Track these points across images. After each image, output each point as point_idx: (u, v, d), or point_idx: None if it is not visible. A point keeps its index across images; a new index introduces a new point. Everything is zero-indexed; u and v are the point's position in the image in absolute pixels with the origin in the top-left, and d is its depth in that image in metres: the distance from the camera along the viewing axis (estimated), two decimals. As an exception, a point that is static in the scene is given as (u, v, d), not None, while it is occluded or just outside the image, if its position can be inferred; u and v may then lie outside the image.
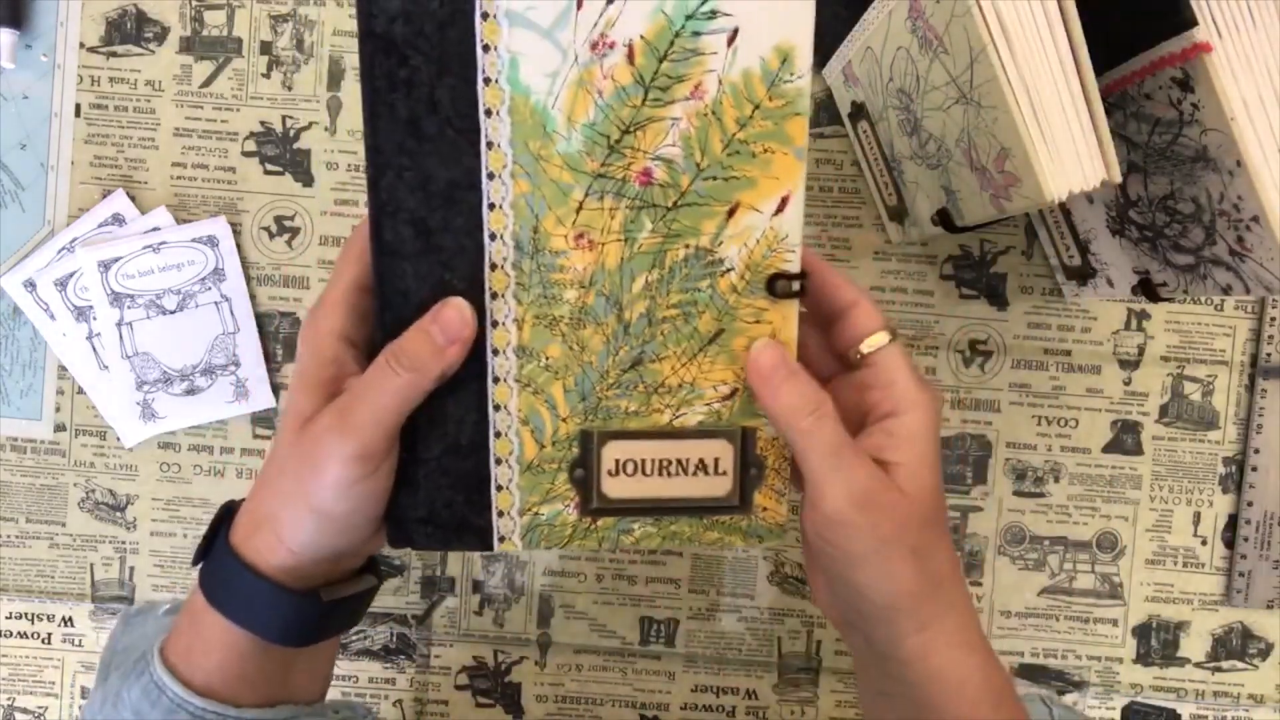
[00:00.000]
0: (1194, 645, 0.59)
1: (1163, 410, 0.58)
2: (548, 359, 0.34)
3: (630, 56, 0.30)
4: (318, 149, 0.57)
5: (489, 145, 0.32)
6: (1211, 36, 0.36)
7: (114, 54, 0.56)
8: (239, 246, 0.57)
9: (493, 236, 0.32)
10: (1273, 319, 0.56)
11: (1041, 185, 0.37)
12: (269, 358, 0.58)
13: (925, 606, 0.35)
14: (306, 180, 0.57)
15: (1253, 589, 0.58)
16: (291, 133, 0.57)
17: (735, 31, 0.30)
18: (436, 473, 0.35)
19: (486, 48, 0.31)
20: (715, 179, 0.33)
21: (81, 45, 0.56)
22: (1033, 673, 0.59)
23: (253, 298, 0.57)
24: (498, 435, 0.35)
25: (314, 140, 0.57)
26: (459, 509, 0.36)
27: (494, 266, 0.33)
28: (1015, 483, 0.58)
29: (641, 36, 0.30)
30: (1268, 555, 0.57)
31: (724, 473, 0.36)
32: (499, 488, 0.36)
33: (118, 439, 0.57)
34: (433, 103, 0.31)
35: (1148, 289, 0.47)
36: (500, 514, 0.36)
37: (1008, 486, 0.58)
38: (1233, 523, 0.58)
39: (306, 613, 0.36)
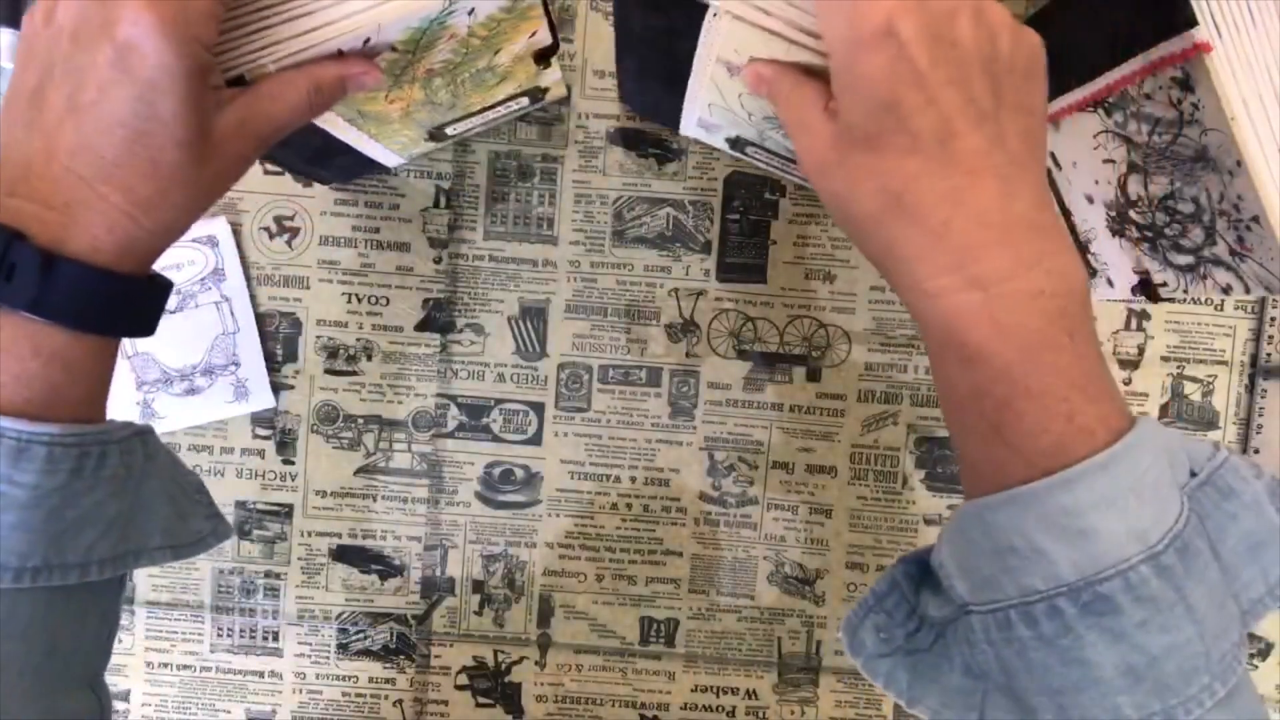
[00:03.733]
0: (1194, 645, 0.59)
1: (1163, 410, 0.58)
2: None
3: (393, 49, 0.38)
4: (318, 149, 0.57)
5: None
6: (1211, 36, 0.36)
7: (114, 54, 0.56)
8: (239, 246, 0.57)
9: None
10: (1273, 319, 0.56)
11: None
12: (269, 358, 0.58)
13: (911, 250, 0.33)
14: (306, 180, 0.57)
15: (1253, 589, 0.57)
16: (291, 133, 0.57)
17: (472, 10, 0.38)
18: None
19: None
20: (482, 48, 0.42)
21: (81, 45, 0.56)
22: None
23: (253, 298, 0.57)
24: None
25: (314, 140, 0.57)
26: None
27: None
28: (1015, 483, 0.58)
29: (393, 47, 0.38)
30: (1268, 555, 0.57)
31: None
32: None
33: (118, 439, 0.57)
34: None
35: (1148, 289, 0.47)
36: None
37: (1008, 486, 0.58)
38: (1233, 523, 0.58)
39: (143, 294, 0.36)
